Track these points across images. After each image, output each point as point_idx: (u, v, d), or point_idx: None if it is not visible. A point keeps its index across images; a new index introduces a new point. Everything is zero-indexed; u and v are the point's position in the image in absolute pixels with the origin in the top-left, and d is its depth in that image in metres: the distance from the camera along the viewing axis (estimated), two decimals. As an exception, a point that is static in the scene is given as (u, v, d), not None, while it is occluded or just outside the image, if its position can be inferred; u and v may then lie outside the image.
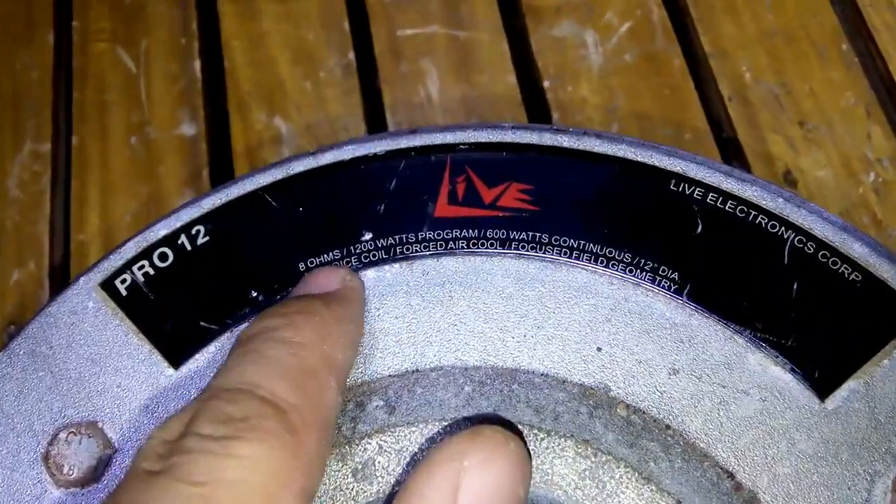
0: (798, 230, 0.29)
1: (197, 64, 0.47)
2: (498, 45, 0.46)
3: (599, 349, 0.29)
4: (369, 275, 0.30)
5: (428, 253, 0.30)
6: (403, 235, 0.30)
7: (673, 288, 0.29)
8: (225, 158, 0.45)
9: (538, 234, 0.30)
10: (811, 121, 0.43)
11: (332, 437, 0.26)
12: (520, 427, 0.28)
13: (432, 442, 0.28)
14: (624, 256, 0.30)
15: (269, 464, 0.23)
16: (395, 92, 0.46)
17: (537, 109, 0.45)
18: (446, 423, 0.28)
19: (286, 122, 0.45)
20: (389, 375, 0.29)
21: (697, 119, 0.44)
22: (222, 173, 0.45)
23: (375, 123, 0.46)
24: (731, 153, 0.44)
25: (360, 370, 0.29)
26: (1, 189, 0.44)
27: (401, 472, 0.28)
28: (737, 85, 0.44)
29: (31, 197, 0.44)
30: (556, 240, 0.30)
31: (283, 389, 0.25)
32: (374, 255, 0.30)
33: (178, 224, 0.30)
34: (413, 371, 0.29)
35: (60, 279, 0.43)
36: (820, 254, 0.29)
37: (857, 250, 0.29)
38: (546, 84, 0.45)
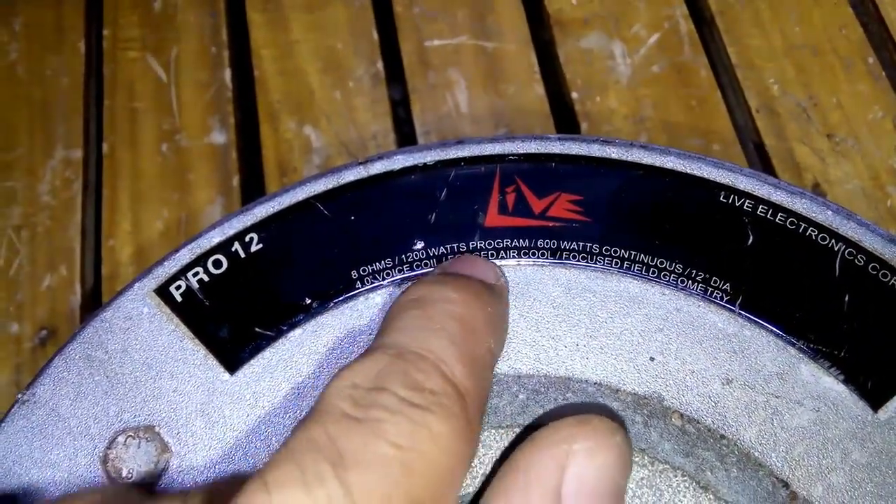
0: (848, 242, 0.29)
1: (227, 73, 0.47)
2: (525, 57, 0.47)
3: (652, 359, 0.29)
4: None
5: None
6: (454, 245, 0.31)
7: (725, 299, 0.29)
8: (255, 167, 0.45)
9: (588, 245, 0.30)
10: (839, 133, 0.44)
11: None
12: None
13: (489, 450, 0.28)
14: (675, 267, 0.30)
15: (455, 447, 0.23)
16: (424, 101, 0.46)
17: (565, 120, 0.46)
18: (505, 428, 0.28)
19: (316, 131, 0.45)
20: None
21: (725, 130, 0.44)
22: (253, 181, 0.45)
23: (404, 132, 0.46)
24: (760, 165, 0.44)
25: None
26: (33, 195, 0.44)
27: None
28: (764, 97, 0.45)
29: (63, 203, 0.44)
30: (606, 250, 0.30)
31: (461, 373, 0.25)
32: (425, 264, 0.30)
33: (232, 231, 0.31)
34: None
35: (92, 285, 0.43)
36: (870, 266, 0.29)
37: (906, 263, 0.29)
38: (574, 95, 0.45)
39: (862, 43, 0.46)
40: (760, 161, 0.44)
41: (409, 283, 0.29)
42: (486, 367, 0.26)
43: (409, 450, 0.22)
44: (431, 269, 0.30)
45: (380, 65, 0.47)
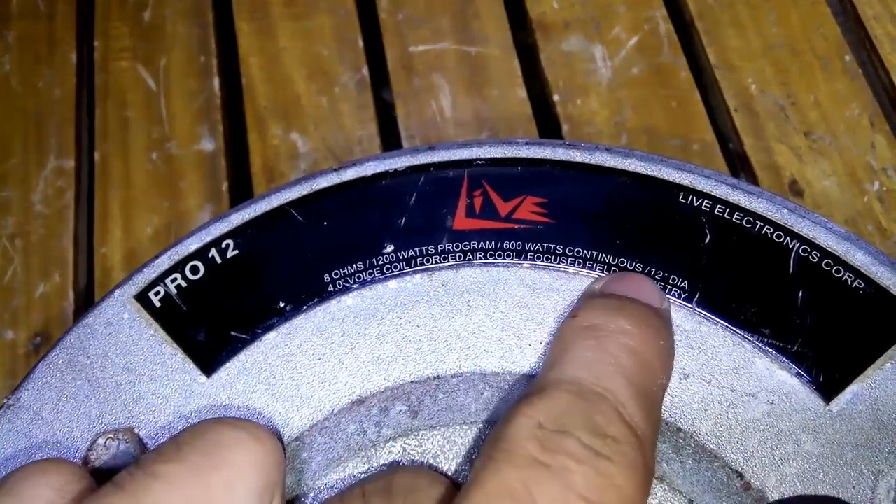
0: (803, 240, 0.30)
1: (216, 81, 0.48)
2: (508, 61, 0.47)
3: None
4: (391, 286, 0.31)
5: (447, 264, 0.31)
6: (423, 247, 0.31)
7: (683, 296, 0.30)
8: (244, 172, 0.46)
9: (552, 246, 0.31)
10: (816, 131, 0.44)
11: None
12: None
13: (453, 445, 0.29)
14: (635, 266, 0.31)
15: (635, 498, 0.24)
16: (408, 106, 0.47)
17: (547, 123, 0.46)
18: (469, 425, 0.29)
19: (302, 137, 0.46)
20: (412, 381, 0.30)
21: (705, 130, 0.45)
22: (242, 187, 0.46)
23: (389, 137, 0.47)
24: (738, 163, 0.44)
25: (383, 377, 0.30)
26: (26, 204, 0.45)
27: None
28: (743, 97, 0.45)
29: (56, 212, 0.45)
30: (569, 251, 0.31)
31: (638, 416, 0.25)
32: (395, 267, 0.31)
33: (209, 238, 0.31)
34: (434, 377, 0.30)
35: (85, 291, 0.44)
36: (824, 262, 0.30)
37: (859, 259, 0.30)
38: (556, 98, 0.46)
39: (839, 42, 0.46)
40: (739, 160, 0.44)
41: (580, 303, 0.30)
42: (658, 404, 0.27)
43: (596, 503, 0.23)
44: (401, 271, 0.31)
45: (365, 71, 0.48)
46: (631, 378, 0.26)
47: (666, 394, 0.29)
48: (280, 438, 0.29)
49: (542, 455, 0.23)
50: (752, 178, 0.43)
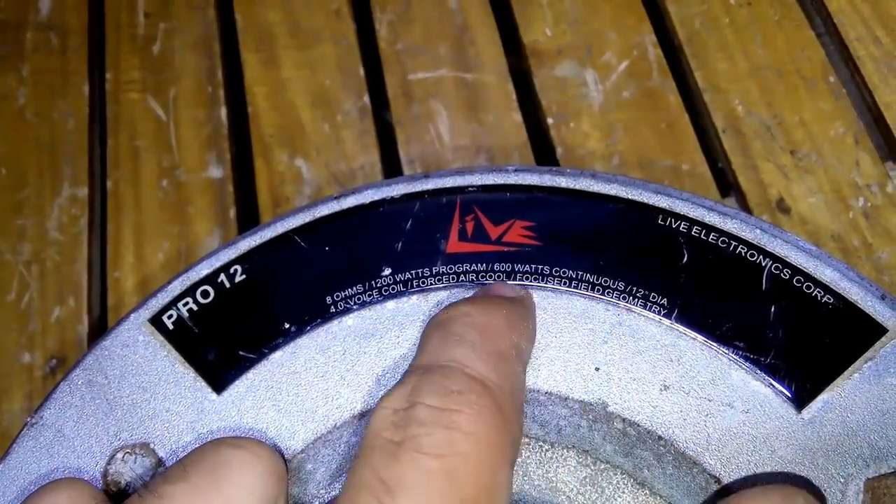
0: (774, 258, 0.31)
1: (223, 110, 0.49)
2: (503, 87, 0.49)
3: (597, 369, 0.31)
4: (389, 306, 0.32)
5: (441, 285, 0.32)
6: (419, 270, 0.33)
7: (663, 312, 0.31)
8: (250, 198, 0.47)
9: (540, 267, 0.32)
10: (802, 150, 0.45)
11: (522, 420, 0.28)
12: (526, 440, 0.31)
13: None
14: (618, 285, 0.32)
15: (490, 437, 0.25)
16: (408, 132, 0.48)
17: (542, 146, 0.47)
18: None
19: (306, 163, 0.47)
20: None
21: (693, 151, 0.46)
22: (248, 212, 0.47)
23: (389, 162, 0.48)
24: (727, 182, 0.45)
25: (382, 392, 0.31)
26: (41, 231, 0.46)
27: None
28: (730, 118, 0.46)
29: (70, 238, 0.46)
30: (556, 271, 0.32)
31: (485, 368, 0.26)
32: (393, 289, 0.32)
33: (218, 264, 0.33)
34: None
35: (98, 315, 0.45)
36: (794, 279, 0.31)
37: (828, 275, 0.31)
38: (550, 121, 0.47)
39: (823, 63, 0.47)
40: (727, 179, 0.46)
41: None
42: (512, 359, 0.28)
43: (449, 456, 0.24)
44: (398, 293, 0.32)
45: (366, 98, 0.49)
46: (475, 345, 0.27)
47: (647, 404, 0.30)
48: (281, 453, 0.30)
49: (395, 434, 0.25)
50: (741, 197, 0.44)
